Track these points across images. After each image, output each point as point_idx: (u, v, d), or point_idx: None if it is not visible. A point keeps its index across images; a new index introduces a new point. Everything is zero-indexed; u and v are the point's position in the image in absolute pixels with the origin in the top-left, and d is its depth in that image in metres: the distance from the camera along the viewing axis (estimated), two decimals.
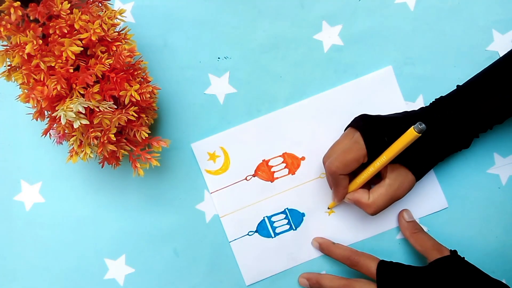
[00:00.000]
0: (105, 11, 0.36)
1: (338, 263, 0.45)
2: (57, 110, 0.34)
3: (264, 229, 0.46)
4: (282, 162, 0.46)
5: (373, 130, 0.39)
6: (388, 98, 0.46)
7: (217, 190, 0.46)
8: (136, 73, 0.37)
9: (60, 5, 0.33)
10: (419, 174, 0.40)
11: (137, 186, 0.46)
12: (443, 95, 0.42)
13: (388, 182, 0.40)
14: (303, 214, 0.46)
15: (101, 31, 0.34)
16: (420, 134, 0.36)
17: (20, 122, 0.46)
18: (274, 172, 0.46)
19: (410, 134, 0.36)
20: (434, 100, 0.42)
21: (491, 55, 0.45)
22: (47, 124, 0.38)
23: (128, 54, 0.35)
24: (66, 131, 0.36)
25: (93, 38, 0.34)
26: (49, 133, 0.39)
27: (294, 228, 0.46)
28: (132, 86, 0.36)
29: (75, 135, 0.36)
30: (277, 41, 0.46)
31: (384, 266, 0.40)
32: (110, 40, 0.36)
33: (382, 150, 0.39)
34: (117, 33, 0.36)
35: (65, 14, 0.33)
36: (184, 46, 0.46)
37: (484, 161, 0.46)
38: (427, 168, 0.41)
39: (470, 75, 0.43)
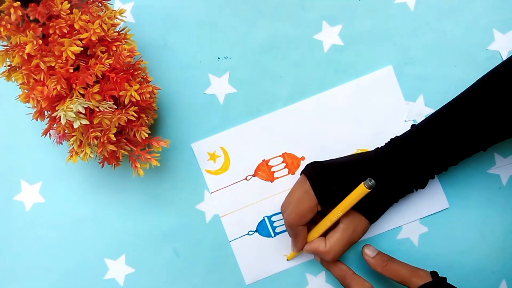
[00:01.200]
0: (105, 11, 0.36)
1: None
2: (57, 110, 0.34)
3: (264, 228, 0.46)
4: (282, 162, 0.46)
5: (322, 179, 0.40)
6: (388, 98, 0.46)
7: (217, 190, 0.46)
8: (136, 73, 0.37)
9: (60, 5, 0.33)
10: (372, 218, 0.40)
11: (137, 186, 0.46)
12: (398, 134, 0.41)
13: (342, 227, 0.40)
14: None
15: (101, 31, 0.34)
16: (370, 190, 0.37)
17: (20, 122, 0.46)
18: (274, 172, 0.46)
19: (361, 190, 0.37)
20: (389, 140, 0.41)
21: (492, 54, 0.45)
22: (47, 124, 0.38)
23: (128, 54, 0.35)
24: (66, 131, 0.36)
25: (93, 38, 0.34)
26: (49, 133, 0.39)
27: None
28: (132, 86, 0.36)
29: (75, 135, 0.36)
30: (277, 41, 0.46)
31: None
32: (110, 40, 0.36)
33: (333, 198, 0.39)
34: (117, 33, 0.36)
35: (65, 14, 0.34)
36: (184, 46, 0.46)
37: (485, 161, 0.46)
38: (381, 211, 0.41)
39: (470, 75, 0.43)
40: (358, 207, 0.39)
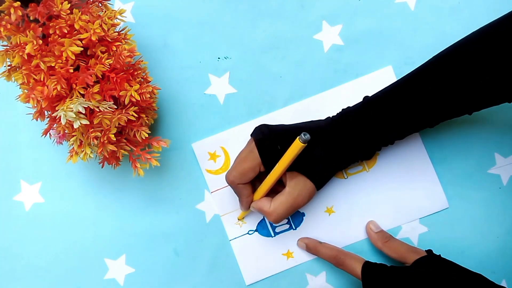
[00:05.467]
0: (105, 11, 0.36)
1: None
2: (57, 110, 0.34)
3: (264, 228, 0.46)
4: None
5: (267, 139, 0.40)
6: None
7: (217, 190, 0.46)
8: (136, 73, 0.37)
9: (60, 5, 0.33)
10: (318, 182, 0.40)
11: (137, 186, 0.46)
12: (350, 105, 0.41)
13: (287, 190, 0.40)
14: (303, 214, 0.46)
15: (101, 31, 0.34)
16: (306, 144, 0.37)
17: (20, 122, 0.46)
18: None
19: (297, 145, 0.37)
20: (341, 110, 0.41)
21: None
22: (47, 124, 0.38)
23: (128, 54, 0.35)
24: (66, 131, 0.36)
25: (93, 38, 0.34)
26: (49, 133, 0.39)
27: (294, 228, 0.46)
28: (132, 86, 0.36)
29: (75, 135, 0.36)
30: (277, 41, 0.46)
31: (369, 267, 0.40)
32: (110, 40, 0.36)
33: (277, 158, 0.39)
34: (117, 33, 0.36)
35: (65, 14, 0.34)
36: (184, 46, 0.46)
37: (485, 161, 0.46)
38: (327, 176, 0.41)
39: None
40: (302, 169, 0.39)
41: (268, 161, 0.40)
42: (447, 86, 0.37)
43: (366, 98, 0.41)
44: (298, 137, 0.37)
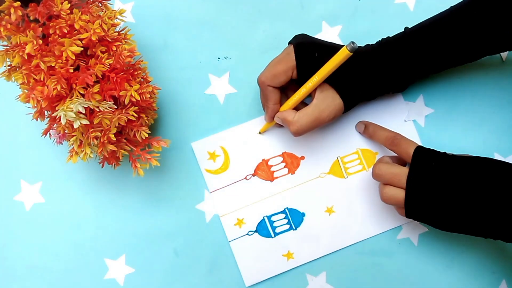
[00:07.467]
0: (105, 11, 0.36)
1: (339, 263, 0.45)
2: (57, 110, 0.34)
3: (264, 229, 0.46)
4: (282, 162, 0.46)
5: (307, 44, 0.40)
6: (388, 98, 0.46)
7: (217, 190, 0.46)
8: (136, 73, 0.38)
9: (60, 5, 0.33)
10: (347, 100, 0.40)
11: (137, 186, 0.46)
12: (390, 36, 0.41)
13: (315, 103, 0.40)
14: (303, 214, 0.46)
15: (101, 31, 0.34)
16: (352, 53, 0.36)
17: (20, 122, 0.46)
18: (274, 171, 0.46)
19: (343, 52, 0.36)
20: (381, 39, 0.41)
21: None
22: (47, 124, 0.38)
23: (128, 54, 0.35)
24: (66, 131, 0.36)
25: (93, 38, 0.34)
26: (49, 133, 0.39)
27: (294, 228, 0.46)
28: (132, 86, 0.36)
29: (75, 135, 0.36)
30: (277, 41, 0.46)
31: (421, 151, 0.39)
32: (110, 40, 0.36)
33: (312, 65, 0.39)
34: (117, 33, 0.36)
35: (65, 14, 0.34)
36: (184, 46, 0.46)
37: None
38: (357, 98, 0.41)
39: (470, 75, 0.43)
40: (334, 83, 0.39)
41: (303, 67, 0.39)
42: (490, 19, 0.37)
43: (406, 28, 0.40)
44: (346, 45, 0.36)
